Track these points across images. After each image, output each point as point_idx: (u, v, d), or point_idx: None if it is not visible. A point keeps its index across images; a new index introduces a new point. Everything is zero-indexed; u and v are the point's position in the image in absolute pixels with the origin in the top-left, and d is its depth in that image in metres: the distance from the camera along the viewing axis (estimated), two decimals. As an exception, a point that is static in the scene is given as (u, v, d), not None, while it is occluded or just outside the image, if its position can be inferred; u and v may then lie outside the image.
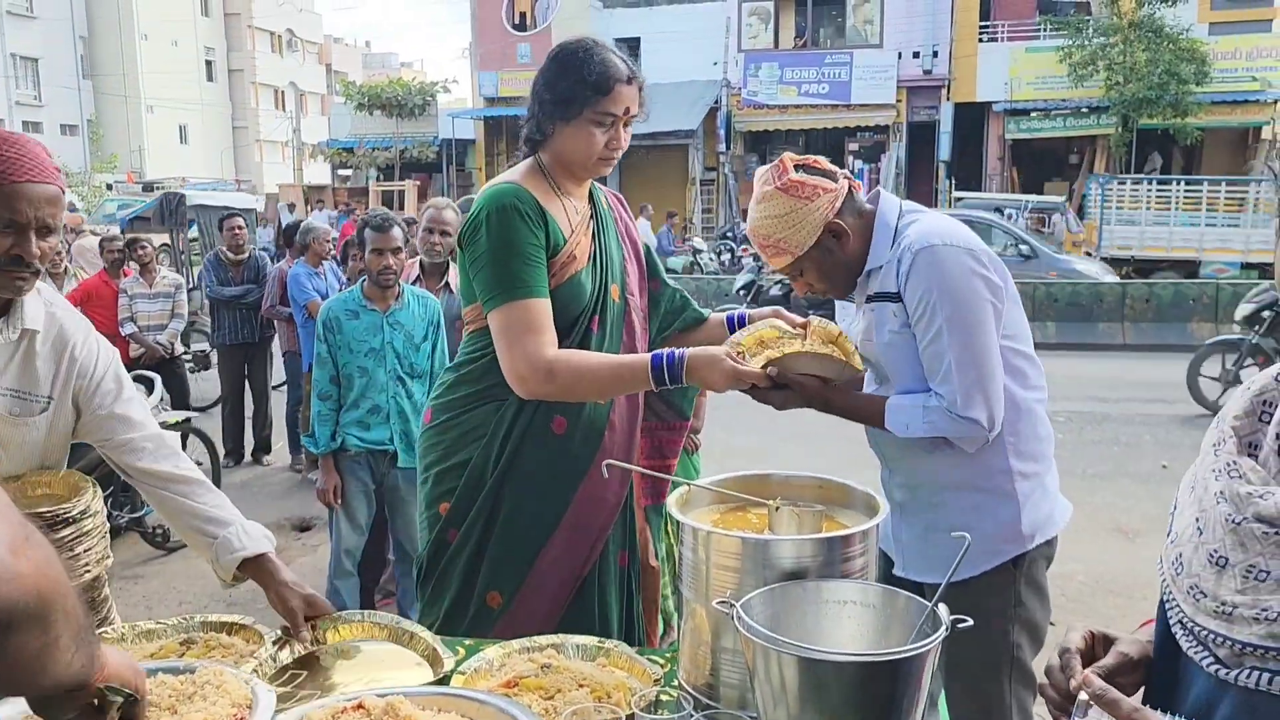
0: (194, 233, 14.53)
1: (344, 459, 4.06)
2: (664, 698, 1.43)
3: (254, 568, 1.80)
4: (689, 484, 1.59)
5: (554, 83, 2.08)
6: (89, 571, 1.64)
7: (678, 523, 1.48)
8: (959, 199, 18.37)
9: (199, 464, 6.19)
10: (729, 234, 21.37)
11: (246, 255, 7.48)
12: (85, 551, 1.62)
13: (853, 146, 24.82)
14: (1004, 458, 2.05)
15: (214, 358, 7.86)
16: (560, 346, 2.06)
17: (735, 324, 2.24)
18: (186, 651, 1.66)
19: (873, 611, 1.29)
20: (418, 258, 4.63)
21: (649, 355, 1.99)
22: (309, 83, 52.06)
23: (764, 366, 1.87)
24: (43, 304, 1.77)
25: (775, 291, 12.69)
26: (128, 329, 7.02)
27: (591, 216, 2.22)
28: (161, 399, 6.34)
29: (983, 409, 1.93)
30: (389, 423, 4.06)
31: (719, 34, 24.29)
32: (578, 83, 2.04)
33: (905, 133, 23.79)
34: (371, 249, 3.99)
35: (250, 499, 6.54)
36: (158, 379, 6.14)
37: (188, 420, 6.47)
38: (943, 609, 1.20)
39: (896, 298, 1.98)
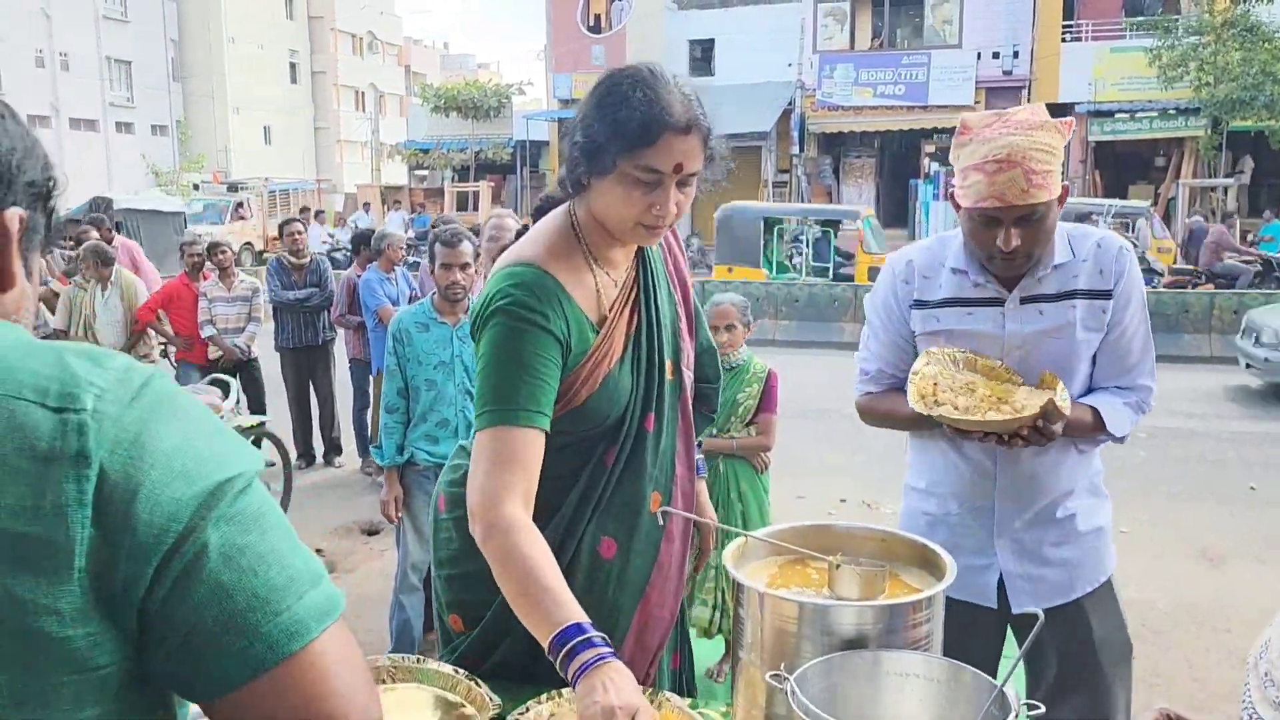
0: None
1: (412, 472, 4.08)
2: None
3: None
4: (747, 535, 1.54)
5: (589, 123, 1.61)
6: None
7: (731, 579, 1.42)
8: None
9: (270, 464, 6.37)
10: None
11: (308, 259, 7.58)
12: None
13: (929, 148, 24.40)
14: (1098, 457, 2.17)
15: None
16: (608, 455, 1.73)
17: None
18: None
19: (936, 687, 1.23)
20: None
21: (569, 619, 1.41)
22: (389, 84, 52.98)
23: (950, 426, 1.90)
24: None
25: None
26: (207, 331, 7.19)
27: (636, 280, 1.80)
28: (238, 401, 6.48)
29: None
30: (457, 436, 4.07)
31: (794, 35, 24.07)
32: (614, 126, 1.57)
33: (984, 135, 23.27)
34: (440, 264, 4.00)
35: (320, 501, 6.65)
36: (234, 382, 6.27)
37: (262, 424, 6.60)
38: (1010, 690, 1.14)
39: (1106, 295, 2.01)
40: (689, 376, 1.88)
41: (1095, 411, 2.03)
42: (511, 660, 1.72)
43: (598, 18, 27.16)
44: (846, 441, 8.08)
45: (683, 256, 1.96)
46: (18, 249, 0.86)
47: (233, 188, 28.87)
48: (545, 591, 1.45)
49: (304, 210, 24.42)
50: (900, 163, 25.08)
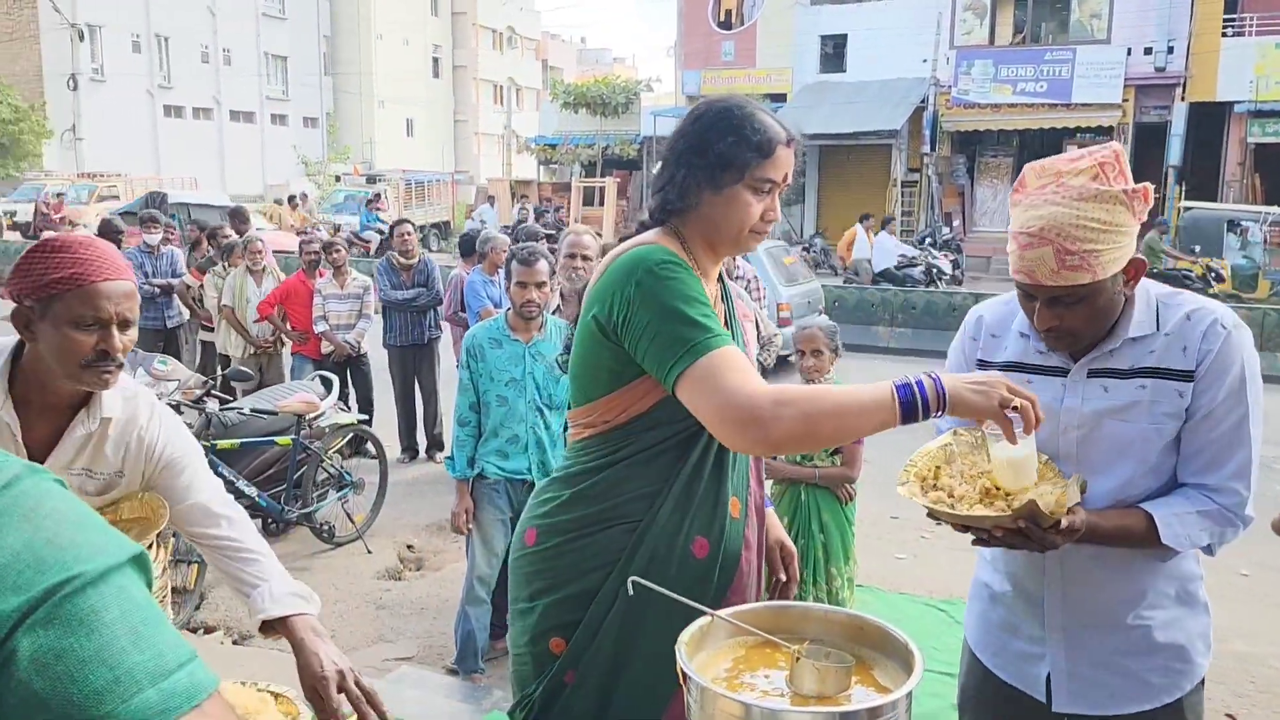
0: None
1: (482, 486, 4.13)
2: None
3: (286, 629, 1.79)
4: (712, 614, 1.47)
5: (706, 144, 1.79)
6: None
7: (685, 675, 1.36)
8: (1186, 208, 16.88)
9: (371, 458, 6.55)
10: (928, 238, 20.55)
11: (416, 260, 7.78)
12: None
13: (1072, 148, 23.21)
14: (1195, 561, 1.88)
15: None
16: (693, 452, 1.82)
17: None
18: None
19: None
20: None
21: (890, 384, 1.58)
22: (526, 78, 53.98)
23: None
24: (119, 390, 1.88)
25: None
26: (320, 326, 7.46)
27: (722, 298, 1.97)
28: (341, 396, 6.71)
29: (1253, 512, 1.78)
30: (527, 452, 4.10)
31: (929, 30, 23.34)
32: (738, 144, 1.77)
33: (1131, 134, 22.07)
34: (516, 282, 4.02)
35: (417, 496, 6.83)
36: (336, 380, 6.49)
37: (365, 421, 6.83)
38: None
39: (1186, 376, 1.75)
40: None
41: (1150, 518, 1.75)
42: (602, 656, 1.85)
43: (729, 14, 26.95)
44: (951, 460, 7.79)
45: (746, 297, 2.13)
46: None
47: (371, 179, 29.92)
48: (849, 396, 1.61)
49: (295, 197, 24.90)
50: (1040, 163, 24.05)
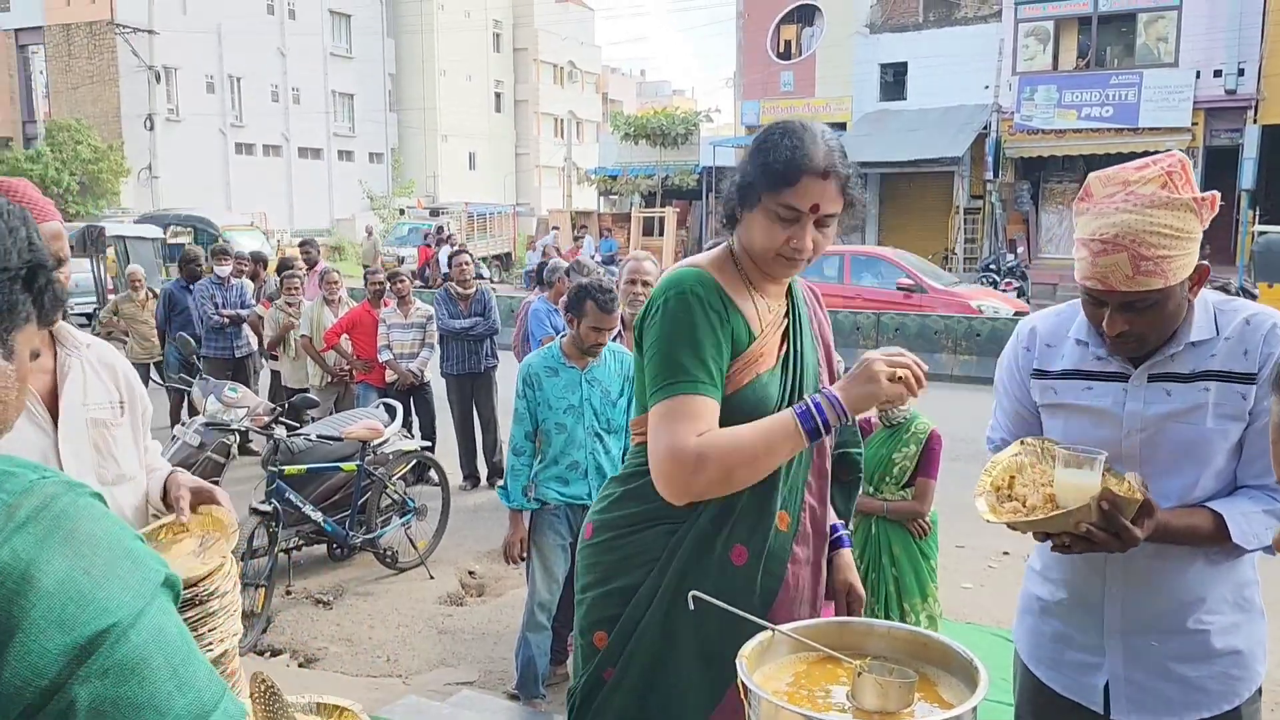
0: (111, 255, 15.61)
1: (543, 512, 4.14)
2: None
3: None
4: (774, 629, 1.47)
5: (745, 163, 1.88)
6: (212, 650, 1.74)
7: (746, 687, 1.36)
8: (1261, 233, 16.42)
9: (433, 484, 6.65)
10: (992, 265, 20.27)
11: (474, 290, 7.89)
12: (209, 631, 1.73)
13: (1140, 172, 22.84)
14: (1252, 567, 1.89)
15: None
16: None
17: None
18: (292, 735, 1.72)
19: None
20: None
21: (790, 411, 1.76)
22: (586, 111, 54.65)
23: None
24: (71, 331, 2.02)
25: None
26: (384, 355, 7.60)
27: (787, 315, 1.98)
28: (405, 425, 6.81)
29: None
30: (587, 478, 4.11)
31: (990, 57, 23.17)
32: (761, 167, 1.81)
33: (1201, 158, 21.60)
34: (591, 325, 4.01)
35: (479, 523, 6.88)
36: (399, 407, 6.59)
37: (428, 448, 6.91)
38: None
39: (1248, 379, 1.77)
40: None
41: (1218, 517, 1.76)
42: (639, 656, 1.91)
43: (788, 44, 27.05)
44: (1018, 489, 7.64)
45: (825, 319, 2.13)
46: None
47: (434, 212, 30.46)
48: (753, 432, 1.75)
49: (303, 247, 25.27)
50: (1107, 188, 23.61)
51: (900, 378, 1.71)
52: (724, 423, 1.80)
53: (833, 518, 2.09)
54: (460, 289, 7.84)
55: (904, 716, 1.32)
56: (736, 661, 1.39)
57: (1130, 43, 22.99)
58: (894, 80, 25.52)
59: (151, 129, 34.87)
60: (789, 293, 2.00)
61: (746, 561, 1.87)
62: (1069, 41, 23.51)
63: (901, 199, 25.73)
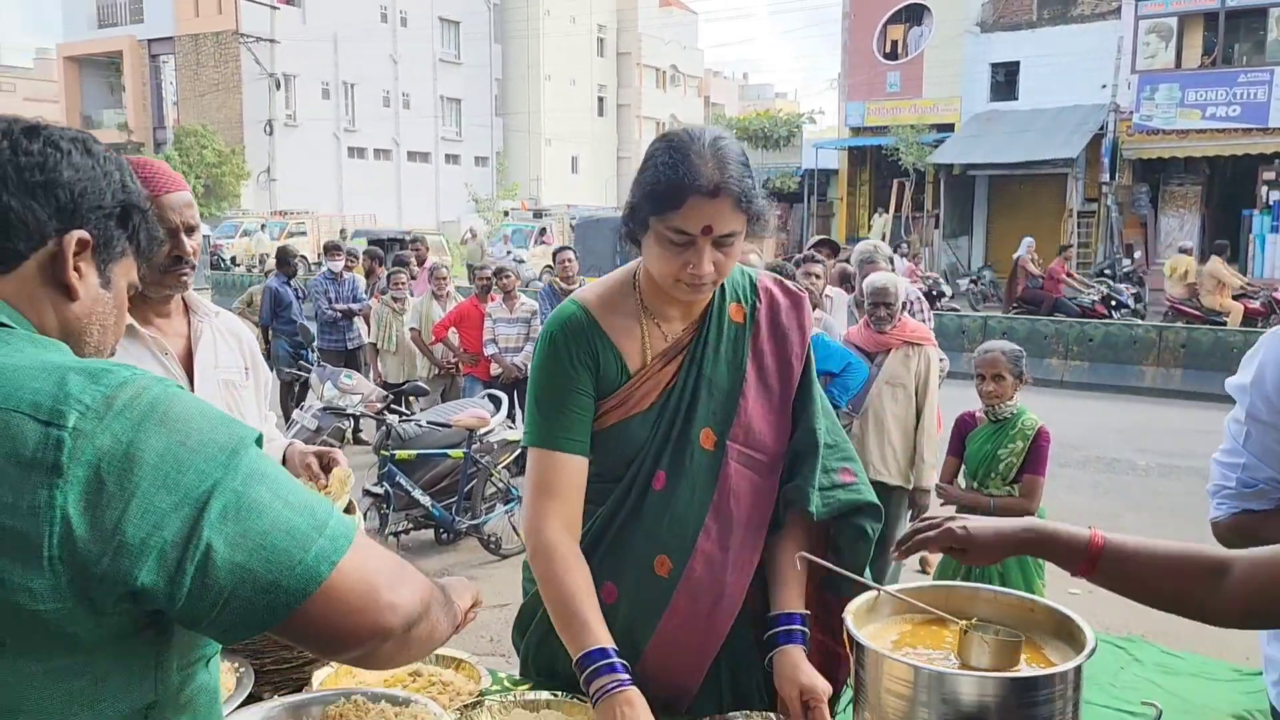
0: None
1: None
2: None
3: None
4: (879, 589, 1.49)
5: (635, 180, 1.71)
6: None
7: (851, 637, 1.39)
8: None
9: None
10: (1107, 270, 19.58)
11: (577, 285, 8.02)
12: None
13: (1268, 175, 21.73)
14: None
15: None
16: (611, 496, 1.77)
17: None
18: (412, 683, 1.83)
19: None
20: None
21: (596, 642, 1.58)
22: (688, 115, 54.72)
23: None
24: (202, 300, 2.18)
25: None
26: (490, 349, 7.79)
27: (697, 340, 1.79)
28: (509, 416, 6.97)
29: None
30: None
31: (1108, 55, 22.38)
32: (646, 189, 1.65)
33: (1336, 159, 20.51)
34: None
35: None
36: (505, 398, 6.75)
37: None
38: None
39: None
40: (740, 454, 1.78)
41: None
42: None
43: (894, 44, 26.64)
44: (1127, 494, 7.42)
45: (794, 333, 1.85)
46: (90, 264, 1.05)
47: (538, 214, 30.95)
48: (574, 617, 1.63)
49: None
50: (1232, 191, 22.57)
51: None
52: (594, 459, 1.75)
53: (791, 603, 1.76)
54: (564, 284, 7.98)
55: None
56: (844, 617, 1.42)
57: (1260, 39, 21.95)
58: (1005, 80, 24.89)
59: (271, 134, 36.32)
60: (709, 313, 1.80)
61: (616, 600, 1.76)
62: (1193, 38, 22.56)
63: (1012, 202, 25.08)
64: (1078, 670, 1.29)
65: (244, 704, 1.59)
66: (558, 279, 8.11)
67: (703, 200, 1.60)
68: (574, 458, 1.72)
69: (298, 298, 9.39)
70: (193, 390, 2.05)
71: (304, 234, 27.36)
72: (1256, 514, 1.67)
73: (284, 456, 2.17)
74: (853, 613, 1.44)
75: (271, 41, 35.73)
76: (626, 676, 1.56)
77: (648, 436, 1.76)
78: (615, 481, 1.78)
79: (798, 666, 1.68)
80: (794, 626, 1.73)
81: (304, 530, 0.96)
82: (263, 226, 28.17)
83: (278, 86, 36.48)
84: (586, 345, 1.74)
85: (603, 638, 1.59)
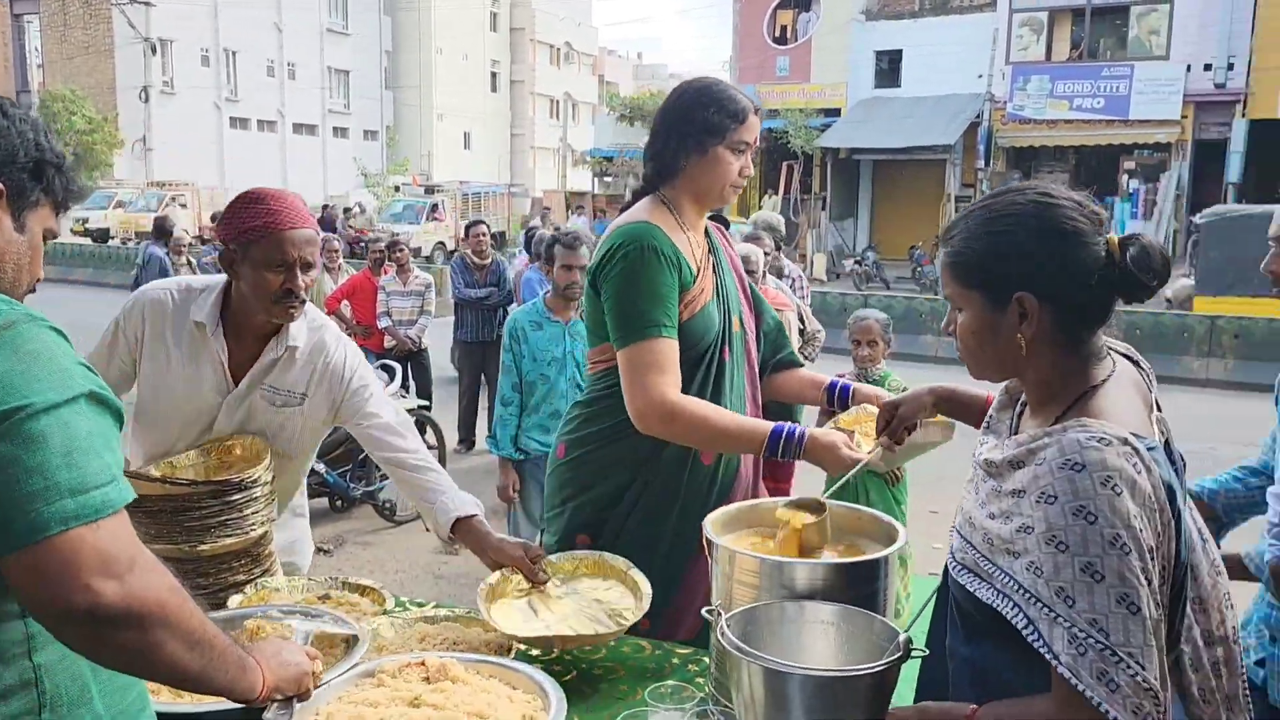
0: None
1: (525, 464, 4.39)
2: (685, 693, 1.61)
3: (465, 530, 2.11)
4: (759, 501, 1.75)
5: (691, 115, 2.16)
6: (254, 529, 2.02)
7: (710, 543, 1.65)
8: None
9: (431, 448, 6.91)
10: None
11: (489, 260, 8.13)
12: (252, 514, 2.01)
13: (1129, 165, 23.14)
14: None
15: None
16: (696, 375, 2.14)
17: (835, 394, 2.29)
18: (321, 604, 2.00)
19: (848, 633, 1.41)
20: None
21: (770, 425, 2.05)
22: (582, 93, 54.68)
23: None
24: (305, 322, 2.21)
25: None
26: (384, 322, 7.84)
27: (709, 250, 2.29)
28: (403, 386, 7.06)
29: None
30: (566, 428, 4.38)
31: (984, 46, 23.40)
32: (718, 113, 2.14)
33: (1190, 151, 21.92)
34: (561, 264, 4.29)
35: (472, 483, 7.00)
36: (399, 368, 6.84)
37: (425, 408, 7.17)
38: (911, 636, 1.31)
39: None
40: (750, 333, 2.34)
41: None
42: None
43: (784, 29, 27.23)
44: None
45: (735, 253, 2.44)
46: (4, 211, 1.21)
47: (429, 190, 30.60)
48: (739, 424, 2.10)
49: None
50: (1096, 179, 23.93)
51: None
52: (682, 347, 2.11)
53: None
54: (476, 259, 8.07)
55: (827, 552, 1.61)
56: (703, 525, 1.68)
57: (1123, 35, 23.25)
58: (889, 67, 25.74)
59: (146, 101, 34.90)
60: (707, 230, 2.32)
61: (713, 460, 2.19)
62: (1062, 33, 23.76)
63: (894, 186, 26.01)
64: (886, 560, 1.57)
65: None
66: (469, 252, 8.19)
67: (754, 118, 2.18)
68: (673, 341, 2.09)
69: (191, 270, 9.24)
70: (227, 394, 2.14)
71: (184, 206, 26.46)
72: None
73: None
74: (711, 522, 1.70)
75: (146, 4, 34.26)
76: (803, 429, 2.06)
77: (718, 320, 2.21)
78: (700, 359, 2.18)
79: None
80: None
81: (61, 486, 1.04)
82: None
83: (154, 51, 35.03)
84: (673, 250, 2.13)
85: (765, 425, 2.07)
